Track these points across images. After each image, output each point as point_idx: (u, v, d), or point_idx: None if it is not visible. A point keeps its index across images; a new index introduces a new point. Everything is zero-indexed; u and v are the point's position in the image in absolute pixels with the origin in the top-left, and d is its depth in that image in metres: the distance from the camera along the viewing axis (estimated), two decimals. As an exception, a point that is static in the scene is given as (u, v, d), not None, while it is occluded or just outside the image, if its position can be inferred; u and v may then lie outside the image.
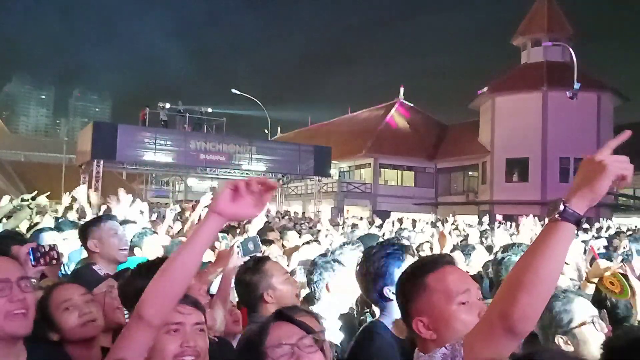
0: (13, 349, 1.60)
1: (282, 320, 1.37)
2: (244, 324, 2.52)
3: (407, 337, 1.72)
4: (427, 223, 12.91)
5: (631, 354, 1.41)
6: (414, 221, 13.45)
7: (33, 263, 2.19)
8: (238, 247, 2.63)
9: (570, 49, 22.92)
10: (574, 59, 22.09)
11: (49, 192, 5.62)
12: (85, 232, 3.30)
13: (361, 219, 15.01)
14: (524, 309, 1.19)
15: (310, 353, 1.30)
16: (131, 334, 1.36)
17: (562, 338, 2.04)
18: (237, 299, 2.82)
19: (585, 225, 11.98)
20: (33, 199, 3.07)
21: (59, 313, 1.98)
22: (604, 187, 1.20)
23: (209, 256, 2.68)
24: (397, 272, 2.11)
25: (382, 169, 35.71)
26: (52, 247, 2.36)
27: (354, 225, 10.39)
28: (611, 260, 4.28)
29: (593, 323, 1.98)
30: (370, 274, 2.16)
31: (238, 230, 6.30)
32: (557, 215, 1.22)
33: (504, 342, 1.22)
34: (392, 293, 2.09)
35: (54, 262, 2.47)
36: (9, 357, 1.59)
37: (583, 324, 2.01)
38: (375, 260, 2.16)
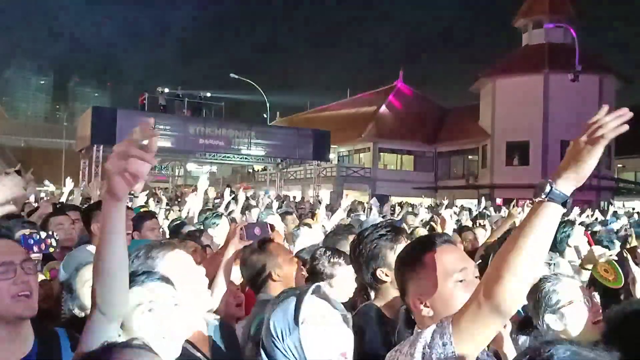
0: (20, 331, 1.64)
1: None
2: (251, 306, 2.51)
3: (401, 318, 1.71)
4: (425, 207, 12.90)
5: (627, 325, 1.50)
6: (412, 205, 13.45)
7: (28, 250, 2.19)
8: (241, 230, 2.65)
9: (572, 31, 22.70)
10: (576, 40, 21.92)
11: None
12: (88, 215, 3.32)
13: (360, 203, 14.98)
14: (509, 289, 1.21)
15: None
16: (95, 327, 1.40)
17: (551, 316, 2.17)
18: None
19: (588, 210, 12.01)
20: (18, 172, 3.09)
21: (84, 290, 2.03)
22: (590, 167, 1.21)
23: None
24: (389, 254, 2.09)
25: (381, 153, 35.67)
26: (49, 235, 2.38)
27: (351, 211, 10.36)
28: (612, 246, 4.28)
29: (582, 302, 2.05)
30: (363, 256, 2.13)
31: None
32: (543, 196, 1.22)
33: (490, 320, 1.25)
34: (386, 275, 2.06)
35: (51, 249, 2.45)
36: (17, 340, 1.63)
37: (570, 303, 2.09)
38: (368, 242, 2.14)
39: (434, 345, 1.28)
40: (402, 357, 1.35)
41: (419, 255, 1.57)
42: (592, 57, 28.18)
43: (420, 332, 1.34)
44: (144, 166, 1.26)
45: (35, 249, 2.35)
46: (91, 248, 2.84)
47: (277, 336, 1.45)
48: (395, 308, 2.03)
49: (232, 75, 34.56)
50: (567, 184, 1.22)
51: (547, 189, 1.21)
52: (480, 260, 3.35)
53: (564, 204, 1.22)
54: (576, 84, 21.56)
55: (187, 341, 1.72)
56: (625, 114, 1.24)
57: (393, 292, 2.05)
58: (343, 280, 2.67)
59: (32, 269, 1.67)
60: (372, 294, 2.22)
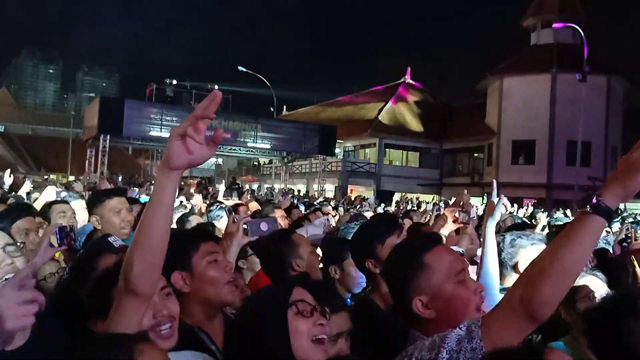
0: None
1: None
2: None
3: (398, 313, 1.74)
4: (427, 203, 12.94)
5: (604, 315, 1.56)
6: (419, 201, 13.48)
7: (59, 242, 2.24)
8: (245, 226, 2.66)
9: (581, 31, 22.58)
10: (584, 41, 21.80)
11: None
12: (88, 207, 3.29)
13: (365, 199, 15.05)
14: (546, 296, 1.22)
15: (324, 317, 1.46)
16: (125, 309, 1.34)
17: (564, 311, 2.20)
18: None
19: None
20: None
21: None
22: (637, 184, 1.21)
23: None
24: (378, 247, 2.14)
25: (387, 149, 35.59)
26: (71, 228, 2.41)
27: (351, 203, 10.39)
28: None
29: (589, 298, 2.11)
30: (355, 246, 2.20)
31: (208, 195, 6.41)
32: (589, 209, 1.23)
33: (523, 325, 1.26)
34: (374, 267, 2.13)
35: (73, 242, 2.52)
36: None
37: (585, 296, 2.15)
38: (361, 233, 2.20)
39: (461, 350, 1.26)
40: None
41: (418, 256, 1.55)
42: (600, 58, 28.04)
43: (443, 338, 1.31)
44: (202, 149, 1.23)
45: (65, 241, 2.41)
46: (112, 239, 2.91)
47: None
48: (385, 298, 2.05)
49: (239, 68, 34.60)
50: (613, 198, 1.23)
51: (594, 201, 1.23)
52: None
53: (608, 217, 1.23)
54: (584, 85, 21.46)
55: (204, 331, 1.74)
56: None
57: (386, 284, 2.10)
58: (351, 271, 2.68)
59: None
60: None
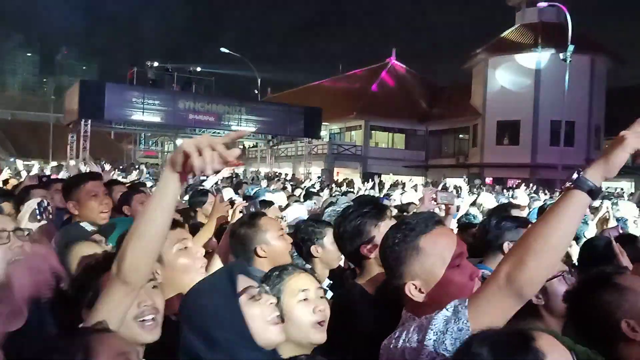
0: None
1: None
2: None
3: (389, 296, 1.70)
4: (412, 187, 12.97)
5: (581, 292, 1.60)
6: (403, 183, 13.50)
7: (39, 217, 2.33)
8: (242, 211, 2.63)
9: (566, 10, 22.56)
10: (569, 20, 21.80)
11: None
12: (64, 191, 3.18)
13: (351, 182, 15.00)
14: (532, 274, 1.23)
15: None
16: (114, 297, 1.35)
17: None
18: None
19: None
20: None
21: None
22: (619, 158, 1.21)
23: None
24: (373, 231, 2.07)
25: (373, 131, 35.60)
26: (49, 203, 2.50)
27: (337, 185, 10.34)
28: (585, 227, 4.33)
29: (563, 277, 2.04)
30: (347, 232, 2.11)
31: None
32: (570, 184, 1.24)
33: (510, 303, 1.26)
34: (369, 251, 2.06)
35: (51, 216, 2.47)
36: None
37: (553, 277, 2.07)
38: (352, 219, 2.11)
39: (448, 331, 1.26)
40: (410, 345, 1.32)
41: (413, 240, 1.52)
42: (584, 37, 28.06)
43: (430, 320, 1.31)
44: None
45: (44, 216, 2.43)
46: (85, 225, 2.79)
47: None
48: (374, 284, 2.02)
49: (222, 49, 34.06)
50: (595, 174, 1.23)
51: (575, 176, 1.23)
52: None
53: (591, 194, 1.22)
54: (568, 64, 21.52)
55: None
56: None
57: (377, 269, 2.03)
58: (330, 247, 2.65)
59: (24, 237, 1.70)
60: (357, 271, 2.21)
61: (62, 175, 7.47)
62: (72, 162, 19.08)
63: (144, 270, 1.36)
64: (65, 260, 2.11)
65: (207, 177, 6.35)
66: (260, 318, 1.45)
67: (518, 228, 2.58)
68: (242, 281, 1.49)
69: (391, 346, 1.39)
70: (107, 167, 6.95)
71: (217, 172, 1.30)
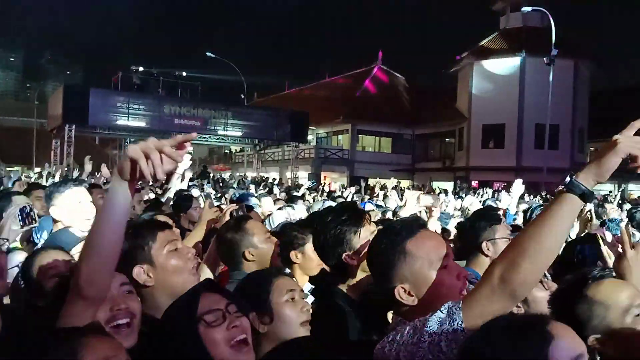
0: None
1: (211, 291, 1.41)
2: (225, 283, 2.47)
3: (373, 302, 1.68)
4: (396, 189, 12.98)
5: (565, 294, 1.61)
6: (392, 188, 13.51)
7: (21, 223, 2.28)
8: (232, 214, 2.61)
9: (549, 15, 22.83)
10: (552, 24, 22.06)
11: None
12: (48, 197, 3.15)
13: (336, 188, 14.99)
14: (525, 276, 1.24)
15: (238, 318, 1.39)
16: (72, 311, 1.33)
17: None
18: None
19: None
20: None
21: (46, 279, 1.93)
22: (611, 163, 1.22)
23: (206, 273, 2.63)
24: (354, 238, 2.06)
25: (359, 135, 35.67)
26: (31, 208, 2.45)
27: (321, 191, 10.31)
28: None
29: (541, 282, 2.05)
30: (328, 240, 2.09)
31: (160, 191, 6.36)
32: (562, 187, 1.25)
33: (504, 305, 1.27)
34: (352, 259, 2.05)
35: (34, 222, 2.52)
36: None
37: None
38: (331, 228, 2.09)
39: (442, 333, 1.28)
40: (405, 347, 1.33)
41: (400, 244, 1.53)
42: (568, 41, 28.44)
43: (424, 322, 1.33)
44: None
45: (27, 221, 2.40)
46: (74, 230, 2.82)
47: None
48: (357, 289, 2.03)
49: (208, 54, 33.93)
50: (587, 177, 1.25)
51: (567, 179, 1.25)
52: None
53: (583, 197, 1.24)
54: (552, 68, 21.76)
55: None
56: None
57: (359, 275, 2.03)
58: (311, 254, 2.61)
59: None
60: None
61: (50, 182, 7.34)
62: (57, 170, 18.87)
63: (100, 284, 1.33)
64: (29, 266, 2.07)
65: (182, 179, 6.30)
66: (222, 343, 1.35)
67: (492, 226, 2.62)
68: (205, 302, 1.38)
69: (385, 350, 1.39)
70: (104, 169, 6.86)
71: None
